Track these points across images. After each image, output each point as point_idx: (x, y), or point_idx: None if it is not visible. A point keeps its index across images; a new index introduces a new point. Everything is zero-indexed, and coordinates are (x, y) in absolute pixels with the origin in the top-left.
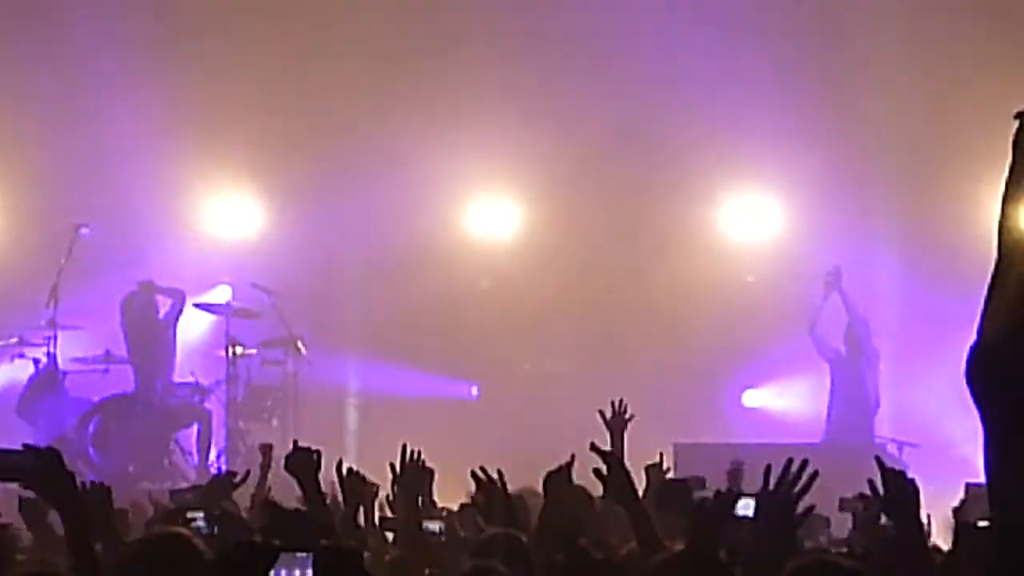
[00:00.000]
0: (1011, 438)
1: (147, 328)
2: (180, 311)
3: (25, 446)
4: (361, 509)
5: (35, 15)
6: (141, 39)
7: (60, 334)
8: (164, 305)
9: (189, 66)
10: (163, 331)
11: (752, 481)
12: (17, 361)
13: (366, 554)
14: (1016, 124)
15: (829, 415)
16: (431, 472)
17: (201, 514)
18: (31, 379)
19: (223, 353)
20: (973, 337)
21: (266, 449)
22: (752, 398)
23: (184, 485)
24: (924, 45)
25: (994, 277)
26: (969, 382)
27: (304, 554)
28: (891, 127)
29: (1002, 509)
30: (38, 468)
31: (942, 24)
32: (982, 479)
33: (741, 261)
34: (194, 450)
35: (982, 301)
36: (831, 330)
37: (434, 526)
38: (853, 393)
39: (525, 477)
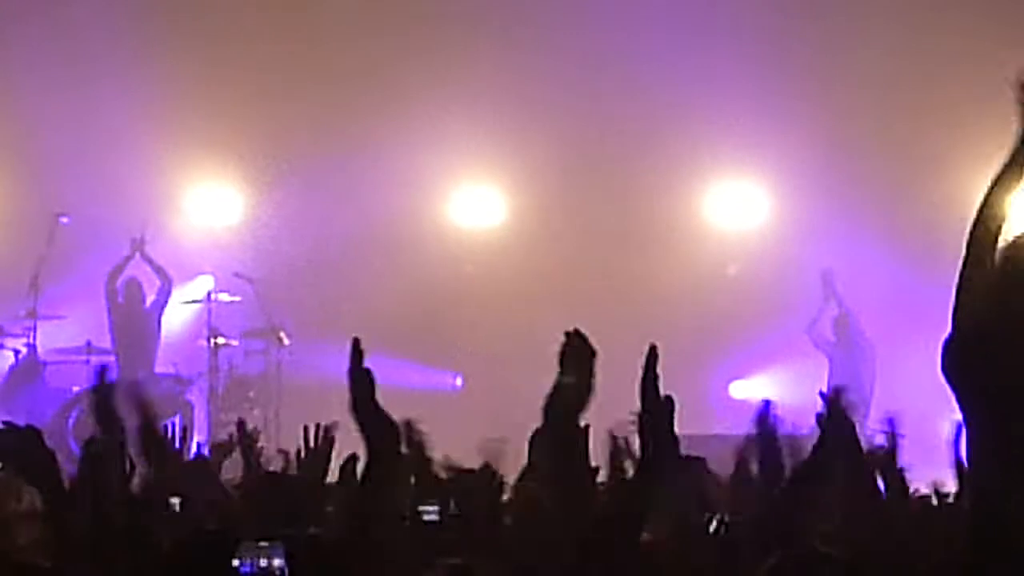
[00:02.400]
0: (988, 426)
1: (132, 318)
2: (166, 300)
3: (5, 424)
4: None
5: (14, 5)
6: (122, 28)
7: (40, 324)
8: (150, 293)
9: (171, 55)
10: (148, 321)
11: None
12: None
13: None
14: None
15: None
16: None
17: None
18: (11, 370)
19: (205, 343)
20: (948, 329)
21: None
22: (739, 389)
23: None
24: (913, 35)
25: (965, 269)
26: (946, 374)
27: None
28: (879, 116)
29: (979, 495)
30: (17, 446)
31: (932, 14)
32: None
33: (727, 250)
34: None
35: (954, 293)
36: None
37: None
38: (847, 384)
39: (509, 467)
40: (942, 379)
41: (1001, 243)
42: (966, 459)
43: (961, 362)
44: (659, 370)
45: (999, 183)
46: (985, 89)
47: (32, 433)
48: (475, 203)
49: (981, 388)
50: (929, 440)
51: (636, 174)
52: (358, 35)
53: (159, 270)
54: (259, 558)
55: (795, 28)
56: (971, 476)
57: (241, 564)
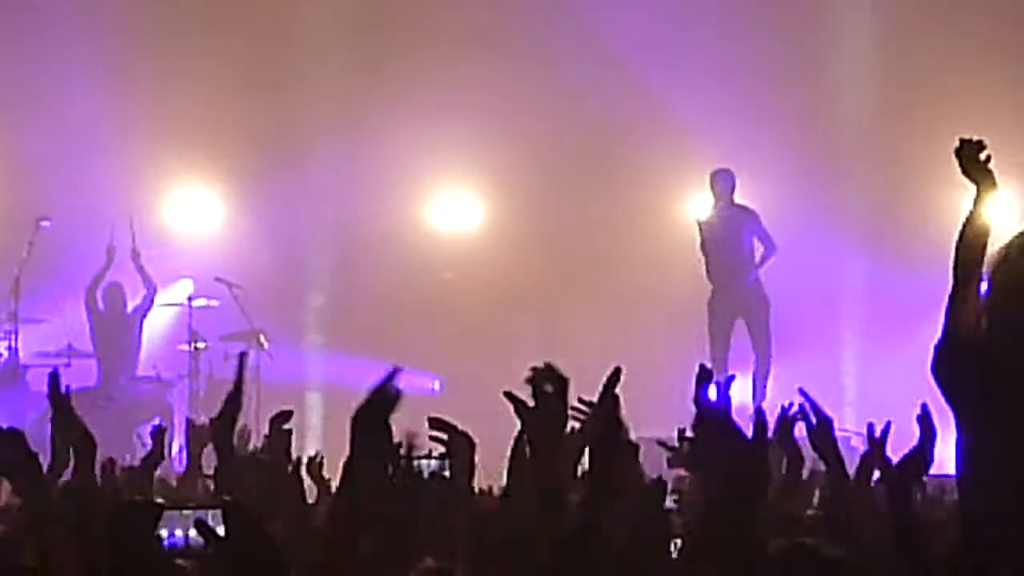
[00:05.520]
0: (978, 429)
1: (114, 323)
2: (150, 306)
3: None
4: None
5: None
6: (101, 32)
7: (22, 328)
8: (133, 297)
9: (150, 58)
10: (130, 325)
11: None
12: None
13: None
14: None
15: None
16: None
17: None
18: None
19: (185, 347)
20: (939, 333)
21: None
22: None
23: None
24: (892, 37)
25: (959, 276)
26: (937, 376)
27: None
28: (859, 119)
29: (968, 494)
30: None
31: (912, 20)
32: (945, 470)
33: None
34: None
35: (946, 299)
36: None
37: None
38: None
39: (488, 470)
40: (932, 381)
41: (990, 248)
42: (956, 462)
43: (952, 366)
44: (638, 373)
45: (978, 196)
46: (966, 90)
47: (14, 435)
48: (454, 207)
49: (972, 392)
50: (907, 439)
51: (616, 179)
52: (337, 40)
53: (146, 277)
54: (185, 528)
55: (775, 35)
56: (962, 480)
57: (169, 534)
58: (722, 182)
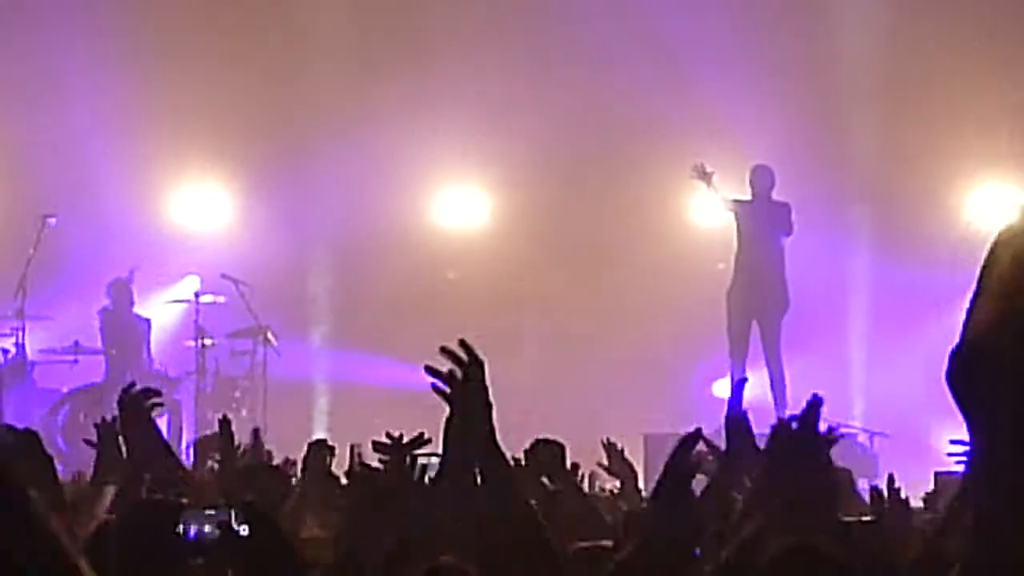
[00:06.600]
0: (992, 437)
1: (121, 318)
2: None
3: (3, 425)
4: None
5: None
6: (108, 28)
7: (28, 324)
8: (140, 298)
9: (156, 54)
10: (137, 322)
11: None
12: None
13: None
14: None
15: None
16: None
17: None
18: None
19: (192, 344)
20: (956, 339)
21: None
22: (723, 388)
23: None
24: (899, 30)
25: (980, 276)
26: (950, 383)
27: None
28: (864, 113)
29: (980, 502)
30: (15, 447)
31: (916, 12)
32: (952, 468)
33: (712, 249)
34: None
35: (967, 304)
36: None
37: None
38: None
39: None
40: (946, 390)
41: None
42: (968, 475)
43: (966, 372)
44: (644, 370)
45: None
46: (973, 84)
47: (29, 436)
48: (460, 203)
49: (986, 399)
50: (913, 437)
51: (622, 175)
52: (343, 37)
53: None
54: (205, 525)
55: (781, 31)
56: (973, 493)
57: (187, 531)
58: (761, 178)
